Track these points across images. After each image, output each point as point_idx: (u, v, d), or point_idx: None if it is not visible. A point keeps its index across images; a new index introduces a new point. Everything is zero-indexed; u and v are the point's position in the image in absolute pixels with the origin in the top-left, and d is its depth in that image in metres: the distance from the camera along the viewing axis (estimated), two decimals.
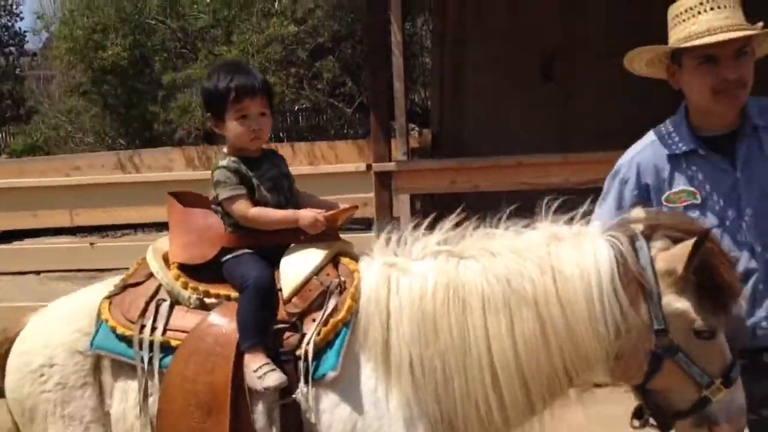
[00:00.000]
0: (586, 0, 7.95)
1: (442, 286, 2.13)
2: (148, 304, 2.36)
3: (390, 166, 5.45)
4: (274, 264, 2.33)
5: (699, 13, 2.17)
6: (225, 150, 2.49)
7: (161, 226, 10.53)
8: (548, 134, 7.95)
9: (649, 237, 2.05)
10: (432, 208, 7.12)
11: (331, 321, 2.18)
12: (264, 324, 2.22)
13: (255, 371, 2.15)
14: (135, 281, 2.45)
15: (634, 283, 2.02)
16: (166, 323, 2.31)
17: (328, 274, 2.28)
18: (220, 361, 2.21)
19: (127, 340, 2.31)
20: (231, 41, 12.42)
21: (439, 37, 8.63)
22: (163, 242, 2.55)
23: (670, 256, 2.02)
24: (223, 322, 2.27)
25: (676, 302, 2.02)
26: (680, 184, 2.29)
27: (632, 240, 2.05)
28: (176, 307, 2.35)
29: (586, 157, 5.01)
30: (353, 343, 2.18)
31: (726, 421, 2.05)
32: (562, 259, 2.07)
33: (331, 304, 2.21)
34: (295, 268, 2.30)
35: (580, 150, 5.55)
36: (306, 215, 2.33)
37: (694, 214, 2.23)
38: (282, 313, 2.25)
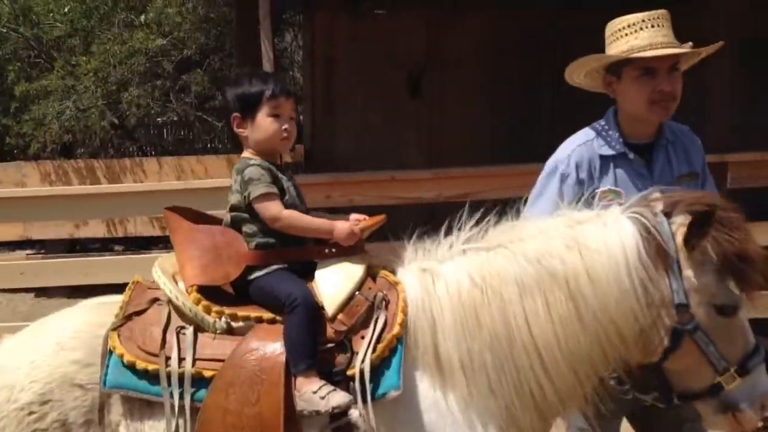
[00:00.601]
0: (452, 19, 8.26)
1: (478, 278, 2.10)
2: (165, 333, 2.16)
3: None
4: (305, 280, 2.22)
5: (641, 29, 2.36)
6: (247, 153, 2.39)
7: (12, 245, 9.90)
8: (418, 149, 8.17)
9: (669, 214, 2.06)
10: None
11: (387, 337, 2.09)
12: (315, 344, 2.09)
13: (315, 392, 2.02)
14: (137, 309, 2.25)
15: (657, 255, 2.01)
16: (194, 353, 2.12)
17: (370, 288, 2.18)
18: (268, 388, 2.05)
19: (150, 376, 2.11)
20: (90, 51, 11.85)
21: (310, 53, 8.66)
22: (168, 263, 2.34)
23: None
24: (264, 346, 2.10)
25: (696, 276, 2.02)
26: (607, 184, 2.45)
27: (655, 216, 2.05)
28: (199, 334, 2.16)
29: (456, 172, 5.18)
30: (407, 356, 2.09)
31: (749, 408, 2.06)
32: (588, 236, 2.06)
33: (381, 319, 2.11)
34: (335, 284, 2.18)
35: (448, 164, 5.74)
36: (343, 227, 2.24)
37: None
38: (329, 333, 2.12)
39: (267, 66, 5.55)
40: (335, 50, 8.41)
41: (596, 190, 2.43)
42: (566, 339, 2.02)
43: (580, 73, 2.58)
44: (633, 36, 2.38)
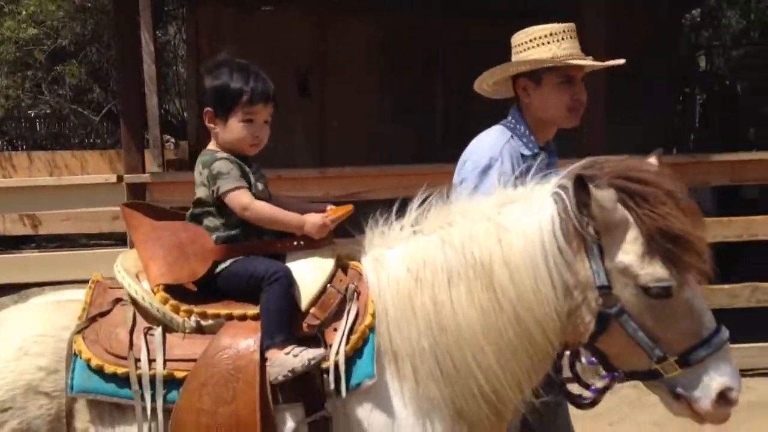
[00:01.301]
0: (340, 18, 8.27)
1: (413, 266, 2.10)
2: (132, 335, 2.08)
3: (144, 177, 5.19)
4: None
5: (563, 39, 2.48)
6: (213, 147, 2.32)
7: None
8: (307, 148, 8.13)
9: (597, 184, 1.89)
10: None
11: (359, 328, 2.07)
12: (291, 321, 2.06)
13: (287, 354, 1.98)
14: (101, 310, 2.15)
15: (576, 237, 1.92)
16: (164, 354, 2.05)
17: (341, 280, 2.15)
18: (243, 386, 2.00)
19: (119, 379, 2.04)
20: None
21: (194, 47, 8.43)
22: (129, 261, 2.25)
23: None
24: (236, 343, 2.05)
25: (620, 255, 1.89)
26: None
27: (577, 193, 1.90)
28: (168, 334, 2.09)
29: (343, 172, 5.19)
30: (377, 346, 2.07)
31: (705, 399, 1.92)
32: (508, 218, 2.01)
33: (353, 310, 2.09)
34: (307, 277, 2.14)
35: (337, 163, 5.74)
36: (314, 221, 2.20)
37: None
38: (302, 327, 2.08)
39: (147, 60, 5.36)
40: (220, 45, 8.21)
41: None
42: (488, 329, 1.99)
43: (491, 80, 2.66)
44: (556, 45, 2.49)
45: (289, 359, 1.99)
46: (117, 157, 8.36)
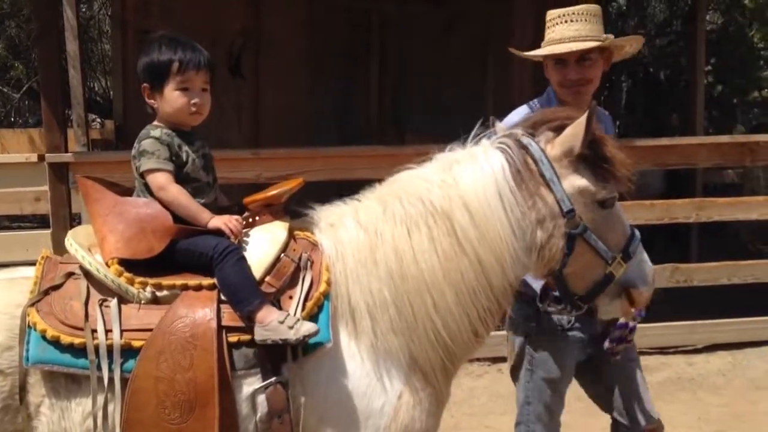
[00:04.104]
0: None
1: (371, 223, 2.19)
2: (87, 306, 2.09)
3: (67, 157, 5.01)
4: None
5: (557, 24, 2.75)
6: (156, 122, 2.32)
7: None
8: (239, 129, 8.01)
9: (533, 135, 2.20)
10: None
11: (315, 295, 2.14)
12: (256, 282, 2.12)
13: (282, 322, 2.04)
14: (54, 284, 2.16)
15: (532, 176, 2.15)
16: (120, 324, 2.07)
17: (294, 250, 2.21)
18: (201, 353, 2.04)
19: (75, 350, 2.06)
20: None
21: (120, 24, 8.16)
22: (80, 236, 2.26)
23: (563, 139, 2.17)
24: (193, 312, 2.09)
25: (577, 180, 2.18)
26: None
27: (518, 141, 2.18)
28: (123, 306, 2.11)
29: (276, 153, 5.13)
30: (332, 311, 2.15)
31: (643, 284, 2.29)
32: (462, 172, 2.17)
33: (307, 278, 2.16)
34: (260, 248, 2.20)
35: (271, 144, 5.67)
36: (216, 223, 2.23)
37: None
38: None
39: (69, 36, 5.15)
40: (149, 22, 7.99)
41: None
42: (450, 272, 2.12)
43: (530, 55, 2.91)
44: (551, 30, 2.77)
45: (282, 328, 2.04)
46: (39, 136, 8.06)
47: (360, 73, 8.63)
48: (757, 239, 6.87)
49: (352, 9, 8.17)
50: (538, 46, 2.85)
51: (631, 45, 2.91)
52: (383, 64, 8.70)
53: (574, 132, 2.15)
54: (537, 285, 2.53)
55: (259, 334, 2.06)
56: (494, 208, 2.11)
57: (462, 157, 2.23)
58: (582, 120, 2.14)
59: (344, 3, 8.12)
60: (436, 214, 2.14)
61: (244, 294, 2.10)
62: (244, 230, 2.27)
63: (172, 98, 2.28)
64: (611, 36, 2.82)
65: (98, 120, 10.72)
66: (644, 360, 5.29)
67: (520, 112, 2.76)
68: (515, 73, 5.28)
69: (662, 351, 5.53)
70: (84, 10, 12.35)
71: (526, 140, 2.18)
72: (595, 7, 2.80)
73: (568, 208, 2.15)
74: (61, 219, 4.98)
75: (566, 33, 2.72)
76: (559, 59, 2.74)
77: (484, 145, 2.24)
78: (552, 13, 2.79)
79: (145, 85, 2.32)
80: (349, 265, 2.18)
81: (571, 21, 2.73)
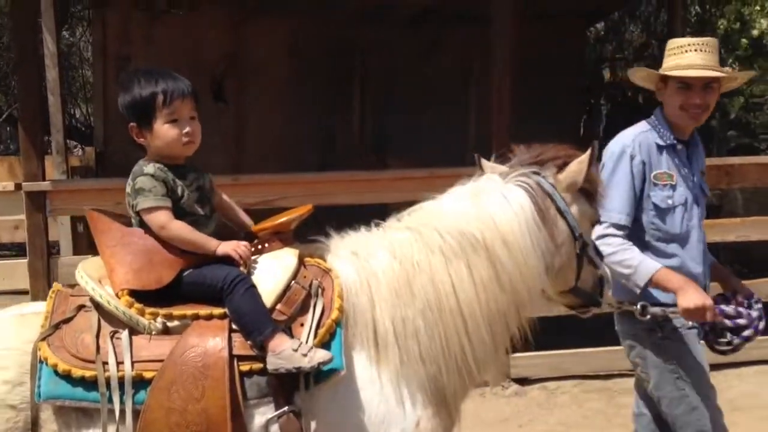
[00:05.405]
0: (255, 23, 8.19)
1: (408, 253, 2.23)
2: (98, 339, 2.09)
3: (44, 185, 4.96)
4: None
5: (686, 51, 2.98)
6: (147, 158, 2.28)
7: None
8: (223, 155, 7.99)
9: (538, 172, 2.41)
10: None
11: (326, 322, 2.13)
12: (267, 310, 2.12)
13: (296, 350, 2.03)
14: (65, 317, 2.15)
15: (548, 210, 2.35)
16: (131, 356, 2.07)
17: (305, 277, 2.21)
18: (212, 383, 2.04)
19: (86, 383, 2.05)
20: None
21: (101, 51, 8.16)
22: (91, 267, 2.25)
23: (567, 174, 2.42)
24: (204, 342, 2.08)
25: (581, 207, 2.46)
26: (662, 167, 2.98)
27: (534, 179, 2.38)
28: (134, 337, 2.11)
29: (255, 179, 5.11)
30: (346, 339, 2.15)
31: (609, 284, 2.63)
32: (494, 208, 2.29)
33: (319, 305, 2.16)
34: (271, 275, 2.20)
35: (254, 170, 5.65)
36: (225, 248, 2.21)
37: (670, 191, 2.95)
38: None
39: (49, 63, 5.14)
40: (131, 49, 8.00)
41: (654, 171, 2.96)
42: (487, 300, 2.22)
43: (638, 76, 3.19)
44: (680, 56, 3.00)
45: (296, 356, 2.03)
46: (19, 164, 7.98)
47: (342, 98, 8.68)
48: (735, 261, 6.92)
49: (334, 35, 8.23)
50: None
51: (742, 78, 3.27)
52: (365, 90, 8.76)
53: (578, 168, 2.42)
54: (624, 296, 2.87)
55: (272, 363, 2.05)
56: (527, 242, 2.26)
57: (486, 192, 2.35)
58: (584, 158, 2.42)
59: (326, 29, 8.18)
60: (477, 245, 2.23)
61: (256, 323, 2.09)
62: (253, 257, 2.26)
63: (162, 132, 2.23)
64: (728, 68, 3.08)
65: (79, 147, 10.66)
66: (619, 382, 5.31)
67: (637, 129, 3.04)
68: (495, 96, 5.31)
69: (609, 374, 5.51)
70: (67, 36, 12.35)
71: (538, 178, 2.38)
72: (715, 41, 3.07)
73: (579, 232, 2.40)
74: (38, 248, 4.90)
75: (696, 61, 2.95)
76: (685, 84, 2.95)
77: (498, 181, 2.38)
78: (680, 41, 3.06)
79: (132, 124, 2.26)
80: (382, 294, 2.21)
81: (701, 50, 2.98)
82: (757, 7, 8.34)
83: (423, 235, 2.26)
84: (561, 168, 2.43)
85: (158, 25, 7.98)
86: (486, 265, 2.22)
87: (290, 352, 2.04)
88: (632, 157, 2.96)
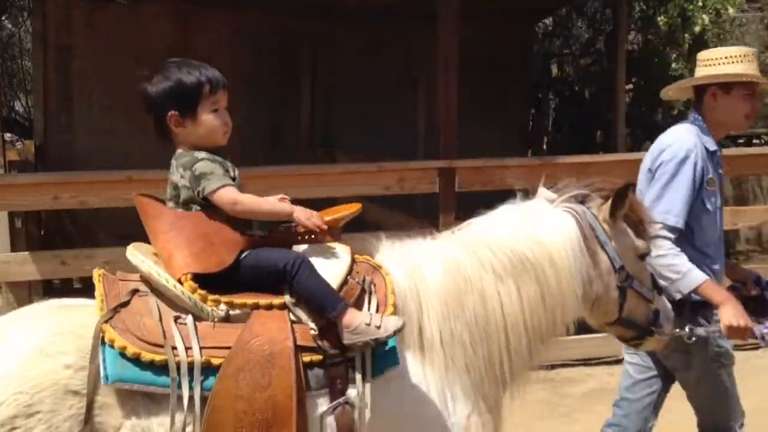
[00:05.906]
0: (201, 15, 8.06)
1: (462, 266, 2.30)
2: (161, 323, 2.05)
3: None
4: None
5: (741, 61, 3.06)
6: (182, 149, 2.26)
7: None
8: (165, 149, 7.84)
9: (583, 202, 2.51)
10: (36, 227, 6.49)
11: None
12: (335, 290, 2.15)
13: (368, 324, 2.08)
14: (121, 301, 2.10)
15: (591, 240, 2.43)
16: (198, 342, 2.05)
17: (358, 272, 2.25)
18: (279, 372, 2.05)
19: (155, 367, 2.01)
20: None
21: (41, 41, 7.91)
22: (145, 252, 2.20)
23: (608, 205, 2.49)
24: (268, 331, 2.09)
25: (624, 239, 2.52)
26: (709, 173, 3.02)
27: (581, 208, 2.48)
28: (197, 323, 2.09)
29: None
30: (398, 336, 2.17)
31: (668, 324, 2.62)
32: (544, 229, 2.39)
33: (373, 301, 2.20)
34: (328, 269, 2.21)
35: None
36: (302, 209, 2.24)
37: (715, 196, 3.02)
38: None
39: None
40: (72, 39, 7.78)
41: (707, 177, 2.99)
42: (531, 317, 2.32)
43: (687, 84, 3.22)
44: (747, 64, 3.07)
45: (371, 329, 2.08)
46: None
47: (290, 92, 8.60)
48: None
49: (282, 28, 8.15)
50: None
51: None
52: (313, 84, 8.70)
53: (614, 200, 2.49)
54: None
55: (348, 339, 2.10)
56: (572, 265, 2.36)
57: (535, 214, 2.45)
58: (622, 190, 2.48)
59: (274, 22, 8.09)
60: (526, 264, 2.33)
61: (329, 299, 2.13)
62: (308, 251, 2.28)
63: (208, 121, 2.23)
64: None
65: (19, 140, 10.34)
66: (567, 372, 5.46)
67: (691, 131, 3.05)
68: (442, 91, 5.34)
69: (585, 363, 5.66)
70: (9, 27, 11.95)
71: (583, 207, 2.49)
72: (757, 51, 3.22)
73: (619, 264, 2.46)
74: None
75: (750, 71, 3.07)
76: (753, 92, 3.07)
77: (547, 206, 2.49)
78: (741, 49, 3.15)
79: (173, 112, 2.21)
80: (431, 302, 2.26)
81: (750, 61, 3.10)
82: (699, 3, 8.53)
83: (476, 252, 2.34)
84: (606, 200, 2.51)
85: (100, 14, 7.78)
86: (533, 284, 2.33)
87: (364, 326, 2.09)
88: (695, 163, 2.97)
